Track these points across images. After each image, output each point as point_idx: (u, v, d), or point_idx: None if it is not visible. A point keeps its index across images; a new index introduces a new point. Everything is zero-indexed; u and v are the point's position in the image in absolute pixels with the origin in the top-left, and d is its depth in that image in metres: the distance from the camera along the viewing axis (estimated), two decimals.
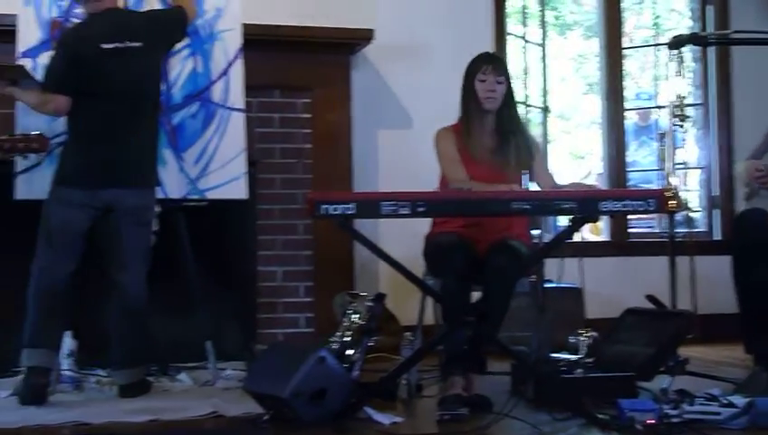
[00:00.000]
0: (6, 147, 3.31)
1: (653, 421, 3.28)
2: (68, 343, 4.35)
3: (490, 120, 4.10)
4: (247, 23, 4.68)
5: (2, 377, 4.49)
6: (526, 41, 6.09)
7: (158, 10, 4.42)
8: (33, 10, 4.46)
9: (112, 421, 3.62)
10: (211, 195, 4.54)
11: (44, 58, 4.31)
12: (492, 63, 4.10)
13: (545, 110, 6.18)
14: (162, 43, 4.29)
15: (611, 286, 5.51)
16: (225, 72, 4.61)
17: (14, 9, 4.47)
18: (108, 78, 4.06)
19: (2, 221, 4.84)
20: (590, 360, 4.15)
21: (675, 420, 3.31)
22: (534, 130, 5.98)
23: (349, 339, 4.18)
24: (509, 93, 4.12)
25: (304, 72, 5.20)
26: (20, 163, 4.27)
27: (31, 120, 4.19)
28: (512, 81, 4.17)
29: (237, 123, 4.60)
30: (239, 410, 3.75)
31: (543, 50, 6.20)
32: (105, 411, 3.78)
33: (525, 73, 6.09)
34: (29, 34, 4.43)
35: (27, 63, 4.33)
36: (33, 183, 4.27)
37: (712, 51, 6.20)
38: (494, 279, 3.78)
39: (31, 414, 3.75)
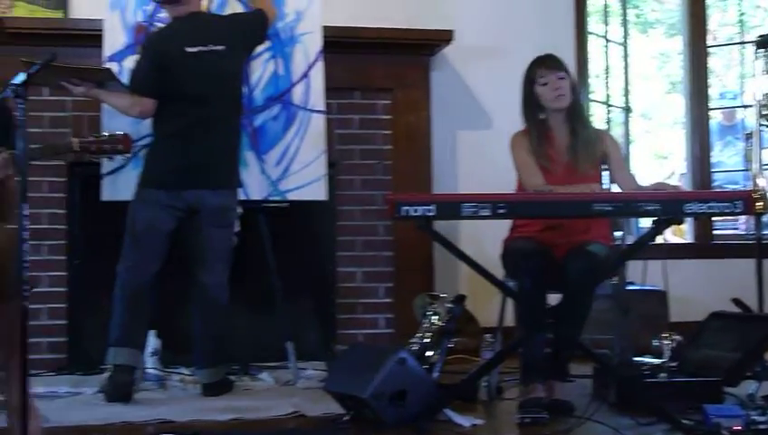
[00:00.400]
0: (92, 148, 3.35)
1: (739, 428, 3.22)
2: (152, 341, 4.43)
3: (560, 120, 4.05)
4: (327, 25, 4.71)
5: (89, 375, 4.59)
6: (608, 40, 6.02)
7: (240, 13, 4.47)
8: (119, 14, 4.54)
9: (196, 419, 3.67)
10: (292, 196, 4.58)
11: (129, 62, 4.40)
12: (546, 65, 4.03)
13: (627, 109, 6.09)
14: (244, 46, 4.34)
15: (696, 289, 5.40)
16: (305, 75, 4.64)
17: (101, 14, 4.57)
18: (191, 81, 4.11)
19: (89, 222, 4.96)
20: (674, 364, 4.06)
21: (762, 426, 3.25)
22: (616, 131, 5.90)
23: (429, 340, 4.18)
24: (573, 88, 4.06)
25: (384, 74, 5.21)
26: (106, 165, 4.36)
27: (116, 123, 4.26)
28: (570, 73, 4.10)
29: (318, 125, 4.63)
30: (320, 410, 3.77)
31: (625, 49, 6.12)
32: (189, 410, 3.85)
33: (607, 73, 6.02)
34: (115, 39, 4.52)
35: (113, 67, 4.40)
36: (119, 185, 4.36)
37: None
38: (572, 285, 3.74)
39: (116, 411, 3.82)
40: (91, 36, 4.65)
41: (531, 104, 4.04)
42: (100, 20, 4.55)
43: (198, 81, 4.11)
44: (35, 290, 4.42)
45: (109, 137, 3.39)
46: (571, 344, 3.78)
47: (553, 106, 3.98)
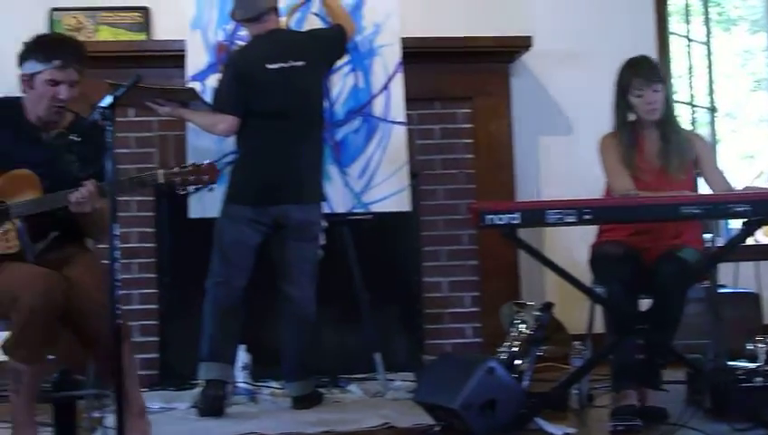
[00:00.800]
0: (178, 181, 3.36)
1: None
2: (242, 356, 4.47)
3: (651, 125, 3.99)
4: (405, 36, 4.72)
5: (181, 390, 4.65)
6: (690, 39, 5.91)
7: (319, 29, 4.50)
8: (200, 34, 4.62)
9: (287, 432, 3.70)
10: (375, 208, 4.59)
11: (212, 81, 4.47)
12: (643, 75, 3.95)
13: (712, 109, 5.97)
14: (324, 61, 4.37)
15: None
16: (385, 87, 4.66)
17: (182, 35, 4.64)
18: (273, 97, 4.14)
19: (177, 240, 5.04)
20: None
21: None
22: (702, 131, 5.79)
23: (517, 349, 4.14)
24: (666, 97, 3.99)
25: (464, 82, 5.20)
26: None
27: (202, 141, 4.34)
28: (665, 81, 4.04)
29: (399, 136, 4.64)
30: (410, 422, 3.78)
31: (708, 47, 6.00)
32: (279, 423, 3.88)
33: (690, 73, 5.91)
34: (197, 58, 4.59)
35: (196, 86, 4.47)
36: (205, 202, 4.41)
37: None
38: (662, 290, 3.67)
39: (209, 426, 3.89)
40: (173, 57, 4.74)
41: (622, 109, 4.00)
42: (183, 40, 4.64)
43: (280, 96, 4.14)
44: (127, 308, 4.49)
45: (194, 168, 3.35)
46: (663, 351, 3.71)
47: (645, 116, 3.94)
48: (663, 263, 3.70)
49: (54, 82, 3.40)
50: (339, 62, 4.54)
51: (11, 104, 3.50)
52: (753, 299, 4.83)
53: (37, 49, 3.42)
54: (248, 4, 4.21)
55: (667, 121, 3.96)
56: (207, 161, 3.38)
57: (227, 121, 4.13)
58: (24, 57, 3.44)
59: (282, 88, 4.14)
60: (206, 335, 4.13)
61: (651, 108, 3.91)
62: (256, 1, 4.20)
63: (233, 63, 4.23)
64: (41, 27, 4.92)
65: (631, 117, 3.98)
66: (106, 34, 5.14)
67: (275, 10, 4.28)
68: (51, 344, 3.22)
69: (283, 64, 4.15)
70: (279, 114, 4.13)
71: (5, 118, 3.47)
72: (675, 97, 5.66)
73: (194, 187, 3.34)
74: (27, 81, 3.43)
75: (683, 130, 4.10)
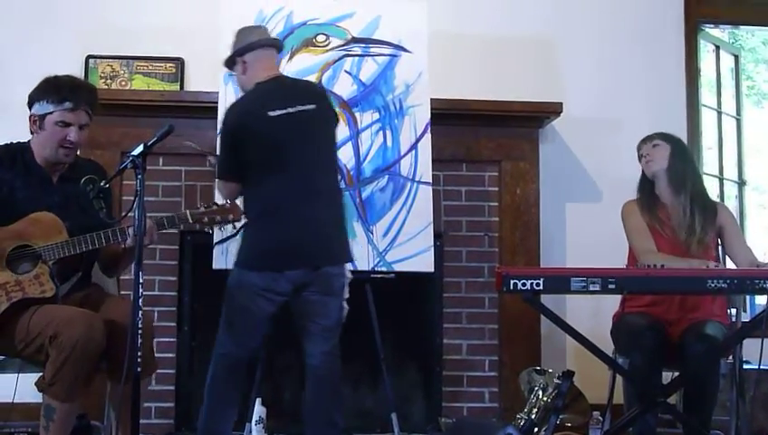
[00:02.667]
0: (204, 219, 3.42)
1: None
2: (258, 409, 4.43)
3: (669, 190, 4.01)
4: (435, 97, 4.73)
5: None
6: (720, 112, 5.90)
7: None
8: (233, 87, 4.62)
9: None
10: (399, 267, 4.56)
11: None
12: (644, 138, 4.22)
13: (741, 183, 5.94)
14: (333, 109, 4.01)
15: None
16: (413, 147, 4.66)
17: (215, 87, 4.68)
18: (280, 147, 3.72)
19: (199, 290, 5.03)
20: None
21: None
22: (729, 204, 5.75)
23: (535, 416, 4.09)
24: (674, 154, 4.06)
25: (492, 146, 5.20)
26: (217, 234, 4.41)
27: None
28: (676, 144, 4.12)
29: (425, 196, 4.63)
30: None
31: (738, 121, 5.98)
32: None
33: (720, 145, 5.89)
34: None
35: None
36: (230, 253, 4.39)
37: None
38: (695, 372, 3.61)
39: None
40: (206, 108, 4.77)
41: (643, 177, 4.17)
42: (215, 92, 4.66)
43: (288, 145, 3.72)
44: None
45: (219, 207, 3.46)
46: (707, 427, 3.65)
47: (647, 172, 4.04)
48: (692, 342, 3.67)
49: (64, 124, 3.44)
50: (365, 113, 4.57)
51: (19, 148, 3.54)
52: None
53: (49, 90, 3.46)
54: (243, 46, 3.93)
55: (681, 184, 4.00)
56: (230, 201, 3.45)
57: (227, 188, 3.77)
58: (35, 98, 3.48)
59: (288, 136, 3.72)
60: (203, 410, 3.82)
61: (647, 160, 4.04)
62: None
63: (225, 123, 3.84)
64: (77, 73, 4.96)
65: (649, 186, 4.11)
66: (140, 83, 5.19)
67: (277, 48, 4.01)
68: (87, 384, 3.24)
69: (289, 110, 3.73)
70: (288, 167, 3.70)
71: (14, 162, 3.49)
72: (704, 169, 5.63)
73: (219, 225, 3.41)
74: (37, 121, 3.47)
75: (708, 199, 4.10)
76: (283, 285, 3.68)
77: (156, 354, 4.75)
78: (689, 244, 3.90)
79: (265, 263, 3.68)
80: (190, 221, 3.41)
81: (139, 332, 2.95)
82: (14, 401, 3.50)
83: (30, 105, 3.49)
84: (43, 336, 3.18)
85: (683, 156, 4.14)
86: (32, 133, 3.51)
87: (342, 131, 4.48)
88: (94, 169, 3.62)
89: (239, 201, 3.76)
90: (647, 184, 4.21)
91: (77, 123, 3.45)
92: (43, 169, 3.51)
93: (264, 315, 3.73)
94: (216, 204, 3.48)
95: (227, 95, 4.61)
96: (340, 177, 4.11)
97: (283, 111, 3.72)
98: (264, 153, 3.71)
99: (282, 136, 3.71)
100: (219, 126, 4.12)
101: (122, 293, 3.94)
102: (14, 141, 3.61)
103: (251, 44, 3.86)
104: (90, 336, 3.15)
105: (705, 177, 5.51)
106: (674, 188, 4.04)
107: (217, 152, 4.00)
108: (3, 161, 3.48)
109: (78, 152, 3.61)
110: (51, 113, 3.43)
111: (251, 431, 4.37)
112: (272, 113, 3.71)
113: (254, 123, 3.71)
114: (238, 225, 3.81)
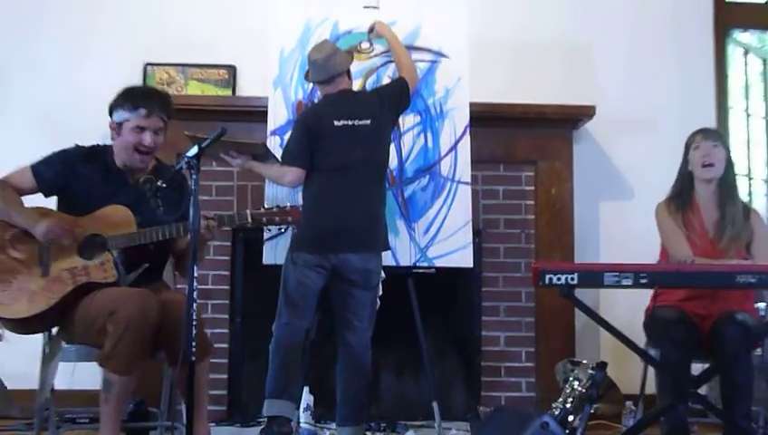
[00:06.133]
0: (264, 220, 3.49)
1: None
2: (306, 397, 4.45)
3: (709, 192, 3.93)
4: (474, 101, 4.72)
5: (247, 427, 4.66)
6: (749, 114, 5.83)
7: (384, 86, 4.51)
8: (282, 92, 4.67)
9: None
10: (439, 263, 4.56)
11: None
12: (704, 132, 3.99)
13: None
14: (389, 116, 4.37)
15: None
16: (453, 148, 4.65)
17: (265, 92, 4.71)
18: (339, 152, 4.16)
19: (249, 284, 5.07)
20: None
21: None
22: (758, 203, 5.68)
23: (570, 405, 4.06)
24: (729, 160, 3.95)
25: (528, 147, 5.19)
26: (266, 232, 4.45)
27: (278, 190, 4.36)
28: (730, 151, 4.00)
29: (464, 195, 4.62)
30: None
31: (767, 122, 5.91)
32: None
33: (748, 146, 5.82)
34: (277, 115, 4.64)
35: (274, 141, 4.53)
36: (278, 250, 4.43)
37: None
38: (728, 354, 3.57)
39: None
40: (256, 112, 4.80)
41: (682, 175, 4.04)
42: (265, 97, 4.69)
43: (345, 152, 4.16)
44: None
45: (279, 209, 3.51)
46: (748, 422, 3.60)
47: (700, 174, 3.92)
48: (726, 326, 3.63)
49: (140, 129, 3.55)
50: (406, 115, 4.58)
51: (101, 151, 3.70)
52: None
53: (126, 99, 3.60)
54: (321, 68, 4.26)
55: (725, 191, 3.91)
56: (291, 204, 3.58)
57: (294, 173, 4.17)
58: (114, 107, 3.61)
59: (347, 144, 4.16)
60: (271, 373, 4.11)
61: (706, 160, 3.89)
62: (328, 65, 4.25)
63: (303, 120, 4.26)
64: (136, 80, 5.04)
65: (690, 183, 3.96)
66: (194, 89, 5.24)
67: (347, 73, 4.33)
68: (142, 359, 3.28)
69: (348, 122, 4.18)
70: (343, 168, 4.15)
71: (97, 162, 3.63)
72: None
73: (278, 226, 3.48)
74: (116, 128, 3.60)
75: (742, 203, 4.02)
76: (328, 264, 4.13)
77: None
78: (727, 250, 3.85)
79: (314, 246, 4.12)
80: (250, 221, 3.47)
81: (194, 318, 2.98)
82: (74, 389, 3.58)
83: (111, 113, 3.62)
84: (102, 314, 3.24)
85: (731, 162, 4.03)
86: (112, 139, 3.63)
87: None
88: (174, 174, 3.65)
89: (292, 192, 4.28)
90: (687, 182, 4.07)
91: (152, 128, 3.58)
92: (121, 171, 3.62)
93: (316, 287, 4.13)
94: (278, 206, 3.55)
95: (276, 100, 4.64)
96: (385, 179, 4.36)
97: (346, 123, 4.18)
98: (324, 154, 4.16)
99: (340, 142, 4.16)
100: (292, 123, 4.47)
101: (177, 287, 3.98)
102: (100, 144, 3.73)
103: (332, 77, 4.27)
104: (144, 313, 3.23)
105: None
106: (722, 198, 3.93)
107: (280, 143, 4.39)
108: (87, 160, 3.61)
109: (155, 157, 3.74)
110: (128, 120, 3.57)
111: (299, 418, 4.39)
112: (336, 123, 4.18)
113: (321, 128, 4.17)
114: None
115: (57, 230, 3.40)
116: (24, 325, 3.40)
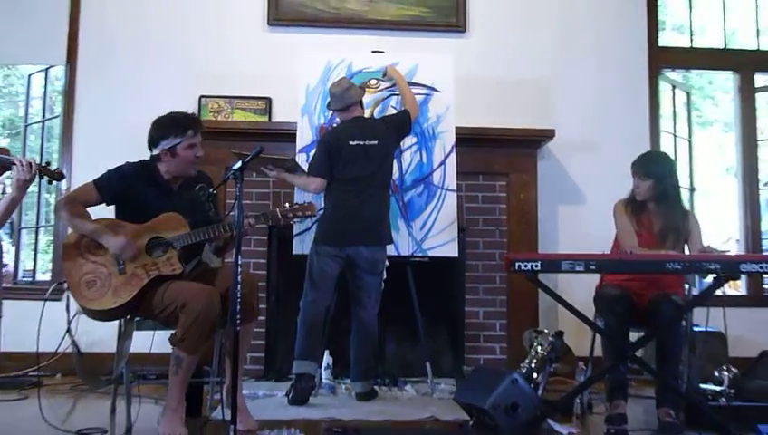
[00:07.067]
0: (288, 215, 3.50)
1: None
2: (326, 358, 4.47)
3: (651, 202, 3.93)
4: (459, 126, 4.74)
5: (280, 382, 4.67)
6: (676, 136, 5.84)
7: (391, 115, 4.53)
8: (308, 118, 4.68)
9: (358, 419, 3.70)
10: (432, 253, 4.58)
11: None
12: (634, 165, 3.95)
13: (692, 189, 5.87)
14: (393, 139, 4.41)
15: (749, 331, 5.10)
16: (442, 163, 4.67)
17: (294, 118, 4.72)
18: (353, 166, 4.21)
19: (282, 270, 5.08)
20: (732, 391, 3.85)
21: None
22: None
23: (534, 365, 4.08)
24: (657, 182, 3.89)
25: (502, 162, 5.18)
26: (296, 228, 4.47)
27: (304, 196, 4.38)
28: (665, 168, 3.96)
29: (451, 200, 4.64)
30: (451, 416, 3.74)
31: (690, 142, 5.92)
32: (353, 412, 3.87)
33: (675, 160, 5.81)
34: (304, 136, 4.66)
35: (302, 157, 4.54)
36: (305, 242, 4.45)
37: None
38: (664, 327, 3.58)
39: (298, 411, 3.89)
40: (287, 134, 4.82)
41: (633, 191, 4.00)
42: (294, 123, 4.71)
43: (357, 166, 4.20)
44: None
45: (299, 205, 3.53)
46: (675, 380, 3.61)
47: (636, 197, 3.92)
48: (662, 304, 3.62)
49: (192, 146, 3.49)
50: (407, 140, 4.60)
51: (147, 166, 3.54)
52: (720, 337, 4.68)
53: (170, 128, 3.48)
54: (339, 99, 4.30)
55: (663, 201, 3.89)
56: (308, 201, 3.61)
57: (317, 183, 4.22)
58: (159, 138, 3.48)
59: (359, 160, 4.21)
60: (298, 340, 4.15)
61: (637, 192, 3.92)
62: (345, 97, 4.29)
63: (325, 140, 4.29)
64: (193, 109, 5.04)
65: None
66: (238, 116, 5.25)
67: (360, 103, 4.37)
68: (206, 341, 3.30)
69: (360, 142, 4.22)
70: (355, 179, 4.20)
71: (147, 176, 3.51)
72: None
73: (299, 218, 3.50)
74: (167, 152, 3.48)
75: (682, 208, 3.98)
76: (343, 255, 4.19)
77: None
78: (668, 246, 3.84)
79: (333, 240, 4.19)
80: (279, 216, 3.48)
81: (239, 296, 2.99)
82: (151, 351, 3.60)
83: (156, 143, 3.49)
84: (175, 305, 3.24)
85: (663, 180, 3.90)
86: (162, 161, 3.50)
87: None
88: (203, 177, 3.66)
89: (316, 197, 4.30)
90: (634, 193, 4.02)
91: (198, 142, 3.53)
92: (167, 181, 3.55)
93: (334, 273, 4.19)
94: (298, 203, 3.56)
95: (303, 125, 4.66)
96: (389, 187, 4.38)
97: (359, 143, 4.22)
98: (341, 167, 4.21)
99: (354, 158, 4.21)
100: (313, 144, 4.53)
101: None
102: (141, 160, 3.56)
103: (348, 106, 4.32)
104: (210, 307, 3.22)
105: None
106: (657, 204, 3.93)
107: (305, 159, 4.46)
108: (139, 175, 3.49)
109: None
110: (180, 142, 3.46)
111: (322, 375, 4.41)
112: (351, 143, 4.22)
113: (339, 147, 4.22)
114: (314, 219, 4.25)
115: (129, 251, 3.36)
116: (109, 315, 3.35)
